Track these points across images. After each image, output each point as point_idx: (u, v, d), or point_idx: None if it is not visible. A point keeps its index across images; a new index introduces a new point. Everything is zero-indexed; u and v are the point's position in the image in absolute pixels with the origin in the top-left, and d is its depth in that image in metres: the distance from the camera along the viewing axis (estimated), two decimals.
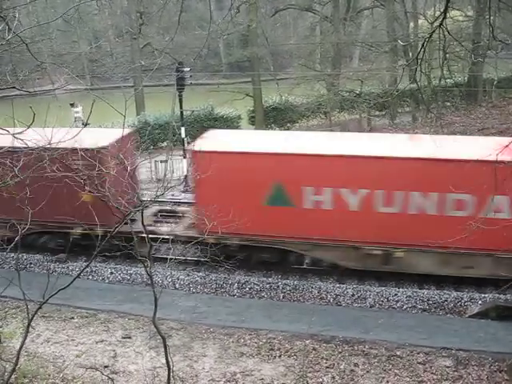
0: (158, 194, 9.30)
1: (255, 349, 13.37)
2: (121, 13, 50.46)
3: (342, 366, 12.56)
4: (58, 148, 9.28)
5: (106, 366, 12.63)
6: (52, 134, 8.59)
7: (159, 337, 9.55)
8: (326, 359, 12.84)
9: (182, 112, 30.13)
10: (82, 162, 11.86)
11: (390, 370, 12.39)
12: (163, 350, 9.27)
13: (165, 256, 15.85)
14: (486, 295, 15.61)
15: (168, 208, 20.08)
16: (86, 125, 27.72)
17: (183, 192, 24.61)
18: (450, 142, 16.42)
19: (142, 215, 8.68)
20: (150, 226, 17.80)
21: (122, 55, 54.63)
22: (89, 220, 10.89)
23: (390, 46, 35.44)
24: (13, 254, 17.73)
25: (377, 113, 36.71)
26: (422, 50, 7.80)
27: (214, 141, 17.34)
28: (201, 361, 12.93)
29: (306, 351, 12.96)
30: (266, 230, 16.19)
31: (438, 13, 31.10)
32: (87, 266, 9.60)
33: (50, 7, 45.55)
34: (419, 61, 7.95)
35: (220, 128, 36.82)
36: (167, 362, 9.18)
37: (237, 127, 38.26)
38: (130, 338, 13.99)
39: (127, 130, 19.06)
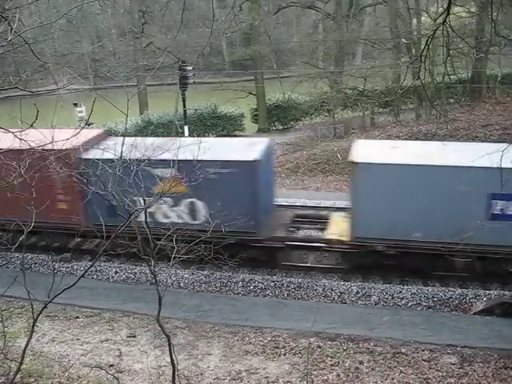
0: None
1: (260, 347, 13.37)
2: (123, 12, 50.48)
3: (346, 364, 12.54)
4: None
5: (111, 365, 12.65)
6: None
7: (164, 335, 9.55)
8: (331, 357, 12.82)
9: (185, 111, 30.21)
10: None
11: (395, 367, 12.36)
12: (168, 348, 9.27)
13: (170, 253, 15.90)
14: (491, 292, 15.59)
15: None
16: (89, 124, 27.87)
17: None
18: None
19: (146, 214, 8.67)
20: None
21: (125, 54, 54.53)
22: None
23: (393, 43, 35.36)
24: (18, 254, 17.81)
25: (380, 110, 36.64)
26: (426, 47, 7.76)
27: None
28: (206, 359, 12.94)
29: (310, 349, 12.94)
30: None
31: (440, 9, 31.06)
32: (92, 266, 9.59)
33: (52, 7, 45.58)
34: (423, 58, 7.92)
35: (223, 126, 37.00)
36: (172, 360, 9.17)
37: (240, 125, 38.31)
38: (134, 336, 14.01)
39: None
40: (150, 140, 16.40)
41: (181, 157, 16.51)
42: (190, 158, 16.42)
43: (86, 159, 15.89)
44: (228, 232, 16.29)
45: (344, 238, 16.46)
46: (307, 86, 37.94)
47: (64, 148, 15.37)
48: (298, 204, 21.43)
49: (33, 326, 8.48)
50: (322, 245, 17.37)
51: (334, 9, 38.28)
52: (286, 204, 20.49)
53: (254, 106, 39.58)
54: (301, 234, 18.57)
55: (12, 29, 6.29)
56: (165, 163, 16.24)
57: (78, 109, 30.09)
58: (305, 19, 52.66)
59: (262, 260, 17.66)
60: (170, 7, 37.41)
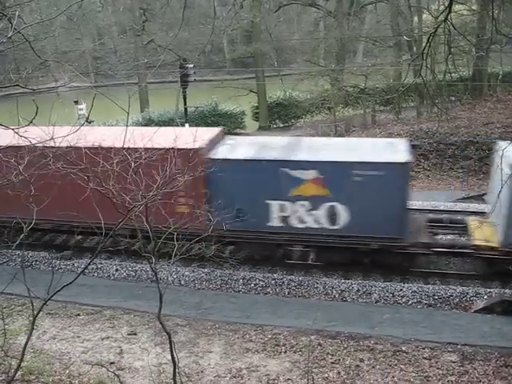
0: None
1: (261, 345, 13.37)
2: (124, 10, 50.46)
3: (347, 362, 12.54)
4: None
5: (111, 363, 12.66)
6: None
7: (165, 333, 9.55)
8: (332, 355, 12.82)
9: (186, 108, 30.17)
10: None
11: (396, 365, 12.36)
12: (169, 346, 9.27)
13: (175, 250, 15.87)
14: (492, 290, 15.57)
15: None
16: (89, 122, 27.89)
17: None
18: None
19: (146, 211, 8.65)
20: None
21: (126, 52, 54.62)
22: None
23: (394, 41, 35.34)
24: (18, 252, 17.80)
25: (381, 108, 36.61)
26: (428, 45, 7.76)
27: None
28: (206, 357, 12.94)
29: (311, 347, 12.93)
30: None
31: (442, 7, 31.01)
32: (91, 262, 9.57)
33: (53, 5, 45.57)
34: (424, 56, 7.91)
35: (224, 124, 36.96)
36: (173, 358, 9.17)
37: (241, 123, 38.29)
38: (135, 334, 14.01)
39: None
40: (277, 140, 15.45)
41: (324, 158, 15.88)
42: (335, 159, 15.77)
43: (213, 159, 15.09)
44: (371, 238, 15.91)
45: (494, 244, 15.63)
46: (308, 83, 37.92)
47: (189, 147, 14.64)
48: (430, 208, 20.80)
49: (33, 323, 8.48)
50: (469, 251, 16.45)
51: (335, 6, 38.25)
52: (417, 208, 19.72)
53: (255, 104, 39.57)
54: (440, 239, 17.92)
55: (12, 26, 6.27)
56: (305, 164, 15.55)
57: (79, 106, 30.06)
58: (306, 17, 52.58)
59: (401, 266, 16.75)
60: (170, 5, 37.44)
